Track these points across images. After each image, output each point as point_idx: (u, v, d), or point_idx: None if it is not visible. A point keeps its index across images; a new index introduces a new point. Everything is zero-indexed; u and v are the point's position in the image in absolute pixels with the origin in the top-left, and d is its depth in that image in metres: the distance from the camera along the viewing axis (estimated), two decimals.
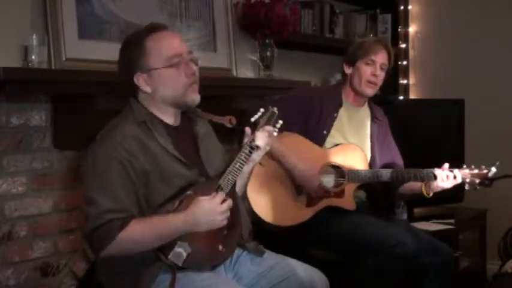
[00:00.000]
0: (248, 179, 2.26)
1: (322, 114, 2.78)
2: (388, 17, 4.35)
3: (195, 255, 1.99)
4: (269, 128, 2.14)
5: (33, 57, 2.28)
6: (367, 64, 2.79)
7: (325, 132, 2.77)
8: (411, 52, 4.54)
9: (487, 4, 4.18)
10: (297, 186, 2.71)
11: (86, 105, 2.40)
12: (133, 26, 2.66)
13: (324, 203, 2.72)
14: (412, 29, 4.54)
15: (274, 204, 2.68)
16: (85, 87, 2.34)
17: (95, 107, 2.39)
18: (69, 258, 2.56)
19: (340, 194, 2.74)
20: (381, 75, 2.81)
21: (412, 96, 4.54)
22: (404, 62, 4.51)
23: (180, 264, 1.97)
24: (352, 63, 2.83)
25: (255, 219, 2.61)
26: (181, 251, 1.96)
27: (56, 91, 2.37)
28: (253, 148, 2.09)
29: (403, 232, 2.65)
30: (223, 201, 1.99)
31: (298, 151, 2.69)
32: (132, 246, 1.94)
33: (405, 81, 4.52)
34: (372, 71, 2.79)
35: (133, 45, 2.04)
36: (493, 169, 2.70)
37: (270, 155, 2.62)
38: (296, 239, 2.69)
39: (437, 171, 2.70)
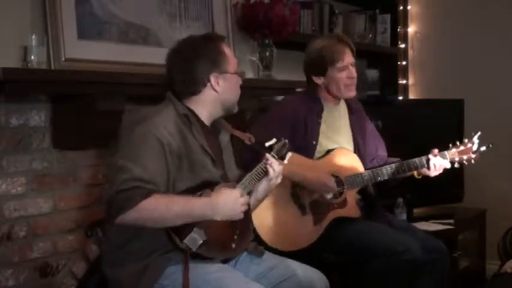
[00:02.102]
0: (260, 202, 2.31)
1: (307, 125, 2.73)
2: (388, 17, 4.35)
3: (209, 244, 2.04)
4: (275, 161, 2.20)
5: (32, 57, 2.28)
6: (340, 70, 2.72)
7: (314, 142, 2.74)
8: (410, 52, 4.54)
9: (487, 4, 4.19)
10: (301, 205, 2.68)
11: (86, 105, 2.40)
12: (132, 26, 2.67)
13: (330, 217, 2.69)
14: (411, 29, 4.54)
15: (284, 232, 2.64)
16: (84, 87, 2.34)
17: (94, 107, 2.39)
18: (68, 259, 2.56)
19: (343, 203, 2.72)
20: (355, 73, 2.76)
21: (411, 96, 4.54)
22: (404, 62, 4.51)
23: (194, 250, 2.01)
24: (321, 73, 2.74)
25: (268, 248, 2.52)
26: (196, 237, 2.01)
27: (56, 91, 2.38)
28: (268, 166, 2.18)
29: (409, 238, 2.64)
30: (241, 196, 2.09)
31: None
32: (150, 217, 1.97)
33: (404, 82, 4.52)
34: (347, 75, 2.73)
35: (213, 48, 2.18)
36: (475, 140, 2.75)
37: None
38: (303, 250, 2.67)
39: (430, 161, 2.72)
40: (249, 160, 2.26)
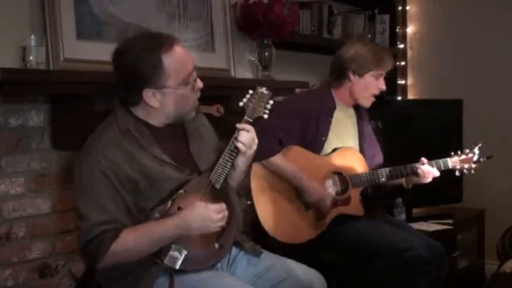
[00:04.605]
0: (243, 172, 2.20)
1: (319, 120, 2.77)
2: (386, 17, 4.35)
3: (192, 256, 1.99)
4: (249, 127, 2.07)
5: (31, 57, 2.27)
6: (377, 77, 2.78)
7: (323, 138, 2.77)
8: (409, 52, 4.54)
9: (486, 4, 4.19)
10: (305, 201, 2.70)
11: (84, 105, 2.39)
12: (132, 26, 2.66)
13: (333, 214, 2.72)
14: (410, 29, 4.54)
15: (286, 223, 2.67)
16: (83, 87, 2.34)
17: (93, 108, 2.38)
18: (67, 259, 2.56)
19: (347, 201, 2.75)
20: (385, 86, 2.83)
21: (410, 96, 4.54)
22: (403, 63, 4.52)
23: (176, 268, 1.97)
24: (361, 72, 2.78)
25: (267, 239, 2.60)
26: (176, 254, 1.96)
27: (54, 92, 2.37)
28: (235, 142, 2.06)
29: (412, 236, 2.66)
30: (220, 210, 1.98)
31: (300, 164, 2.69)
32: (126, 256, 1.95)
33: (403, 82, 4.53)
34: (379, 85, 2.79)
35: (149, 61, 1.96)
36: (476, 151, 2.82)
37: (281, 175, 2.66)
38: (303, 244, 2.69)
39: (420, 169, 2.75)
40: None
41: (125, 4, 2.65)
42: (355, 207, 2.76)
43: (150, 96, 2.00)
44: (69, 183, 2.53)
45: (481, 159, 2.82)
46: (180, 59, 2.01)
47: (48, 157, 2.49)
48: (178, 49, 2.01)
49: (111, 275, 2.04)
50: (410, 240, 2.60)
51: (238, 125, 2.07)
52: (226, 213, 2.00)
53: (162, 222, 1.95)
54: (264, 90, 2.10)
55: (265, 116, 2.10)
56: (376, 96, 2.88)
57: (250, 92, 2.11)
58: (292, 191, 2.71)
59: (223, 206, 2.00)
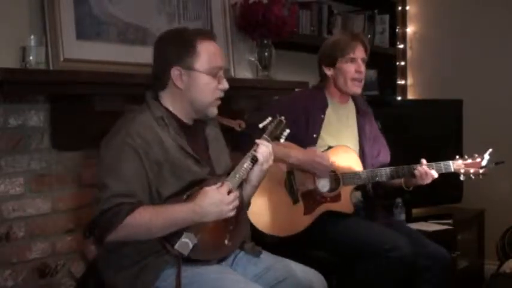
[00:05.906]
0: (255, 187, 2.27)
1: (309, 119, 2.77)
2: (386, 17, 4.35)
3: (201, 246, 2.02)
4: (267, 143, 2.18)
5: (31, 58, 2.27)
6: (349, 62, 2.77)
7: (315, 135, 2.76)
8: (409, 52, 4.55)
9: (486, 4, 4.19)
10: (293, 194, 2.70)
11: (84, 105, 2.40)
12: (131, 26, 2.67)
13: (321, 209, 2.71)
14: (410, 29, 4.55)
15: (272, 215, 2.68)
16: (83, 87, 2.34)
17: (93, 108, 2.39)
18: (67, 259, 2.56)
19: (336, 198, 2.74)
20: (364, 70, 2.81)
21: (410, 96, 4.54)
22: (402, 63, 4.52)
23: (186, 254, 1.99)
24: (331, 64, 2.80)
25: (254, 231, 2.59)
26: (187, 241, 1.99)
27: (54, 92, 2.37)
28: (255, 152, 2.16)
29: (399, 236, 2.64)
30: (230, 192, 2.04)
31: None
32: (138, 232, 1.97)
33: (403, 82, 4.53)
34: (355, 68, 2.77)
35: (183, 41, 2.09)
36: (486, 156, 2.73)
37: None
38: (293, 242, 2.69)
39: (417, 170, 2.71)
40: (244, 147, 2.22)
41: (125, 4, 2.65)
42: (344, 205, 2.75)
43: (178, 76, 2.09)
44: (68, 183, 2.55)
45: (490, 165, 2.74)
46: (213, 51, 2.13)
47: (48, 157, 2.49)
48: (213, 43, 2.16)
49: (114, 267, 2.05)
50: (394, 239, 2.57)
51: (257, 140, 2.17)
52: (237, 193, 2.06)
53: (179, 206, 2.00)
54: (282, 119, 2.25)
55: (282, 141, 2.25)
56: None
57: (269, 118, 2.24)
58: (280, 185, 2.70)
59: (229, 185, 2.05)
